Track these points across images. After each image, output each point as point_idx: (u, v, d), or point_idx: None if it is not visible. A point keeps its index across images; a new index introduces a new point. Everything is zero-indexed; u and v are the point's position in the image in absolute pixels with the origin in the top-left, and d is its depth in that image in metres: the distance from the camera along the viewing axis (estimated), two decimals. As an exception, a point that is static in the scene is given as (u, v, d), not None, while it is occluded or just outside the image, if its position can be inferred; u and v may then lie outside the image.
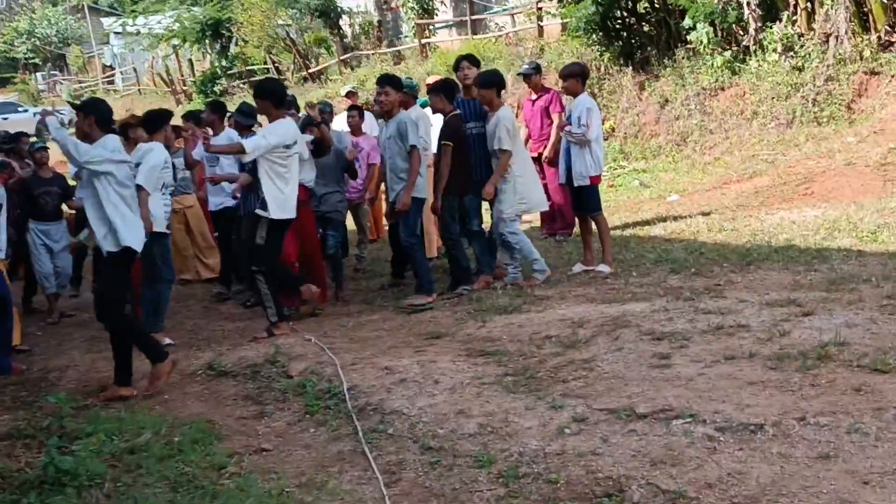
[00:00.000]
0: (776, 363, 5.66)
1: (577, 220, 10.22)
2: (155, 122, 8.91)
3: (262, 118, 9.07)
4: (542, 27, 21.96)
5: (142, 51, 40.46)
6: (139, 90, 40.13)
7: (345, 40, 30.41)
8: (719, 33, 16.91)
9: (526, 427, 5.14)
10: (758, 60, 16.37)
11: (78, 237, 9.53)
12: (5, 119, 31.63)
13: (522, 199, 9.01)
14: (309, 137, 9.54)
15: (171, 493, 4.85)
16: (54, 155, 11.01)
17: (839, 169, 12.90)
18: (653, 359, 6.04)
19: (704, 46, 16.83)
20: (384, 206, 10.32)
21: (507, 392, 5.74)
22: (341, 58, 28.99)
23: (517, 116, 11.63)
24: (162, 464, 5.26)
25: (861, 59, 15.37)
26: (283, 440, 5.65)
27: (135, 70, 42.82)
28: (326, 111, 10.98)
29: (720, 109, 16.69)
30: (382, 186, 10.47)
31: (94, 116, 6.98)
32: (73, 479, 4.98)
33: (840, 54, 15.45)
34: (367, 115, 12.05)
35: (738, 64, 16.73)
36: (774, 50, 16.04)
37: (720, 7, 16.32)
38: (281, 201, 8.11)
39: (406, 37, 29.19)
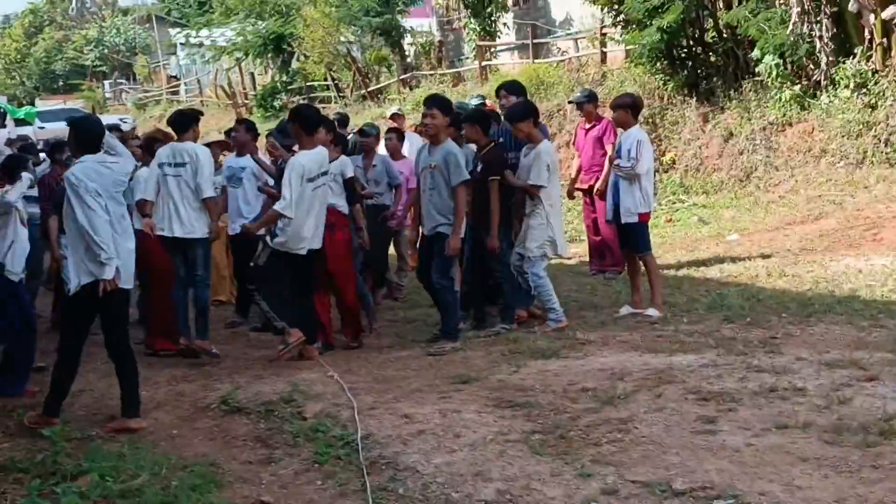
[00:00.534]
0: (833, 436, 5.08)
1: (624, 259, 9.65)
2: (182, 124, 8.54)
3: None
4: (605, 53, 21.45)
5: (205, 63, 40.65)
6: (202, 101, 40.21)
7: (406, 60, 30.14)
8: (789, 66, 16.22)
9: (549, 497, 4.63)
10: (828, 96, 15.64)
11: None
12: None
13: (552, 239, 8.48)
14: (357, 160, 9.22)
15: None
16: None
17: (911, 214, 12.22)
18: (696, 423, 5.49)
19: (773, 80, 16.15)
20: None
21: (533, 453, 5.22)
22: (401, 77, 28.70)
23: (571, 144, 11.16)
24: (152, 513, 4.84)
25: (939, 99, 14.62)
26: (287, 492, 5.19)
27: (198, 81, 43.02)
28: (372, 133, 10.54)
29: (787, 146, 16.02)
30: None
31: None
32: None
33: (917, 93, 14.71)
34: (413, 138, 11.63)
35: (807, 99, 16.02)
36: (846, 86, 15.30)
37: (791, 39, 15.63)
38: (290, 234, 7.80)
39: (467, 58, 28.83)
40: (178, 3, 57.82)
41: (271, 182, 9.19)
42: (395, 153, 10.78)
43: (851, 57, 15.38)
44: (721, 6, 17.57)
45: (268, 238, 7.88)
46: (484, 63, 25.75)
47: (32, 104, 48.19)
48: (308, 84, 32.90)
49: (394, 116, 14.54)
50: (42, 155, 11.70)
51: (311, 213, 7.86)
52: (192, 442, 6.24)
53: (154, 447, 6.12)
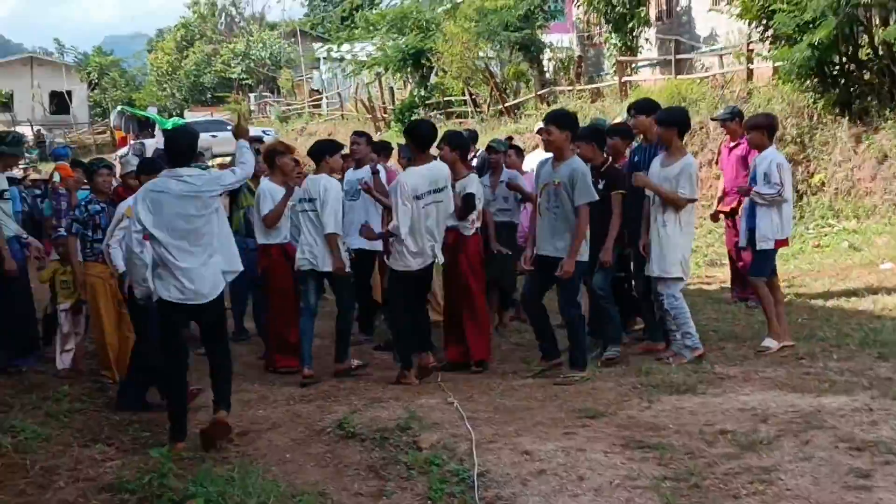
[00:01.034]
0: None
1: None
2: (316, 155, 8.44)
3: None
4: (751, 70, 20.57)
5: (346, 77, 41.04)
6: (342, 115, 40.62)
7: (544, 75, 29.73)
8: (950, 86, 15.18)
9: (680, 555, 4.17)
10: None
11: None
12: (214, 137, 32.32)
13: (686, 260, 7.98)
14: (485, 181, 8.95)
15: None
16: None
17: None
18: (848, 476, 4.94)
19: (932, 99, 15.14)
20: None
21: (664, 502, 4.76)
22: (538, 93, 28.30)
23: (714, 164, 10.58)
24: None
25: None
26: (396, 531, 4.88)
27: (339, 95, 43.50)
28: (500, 149, 10.16)
29: (946, 169, 14.98)
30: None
31: None
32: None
33: None
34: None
35: (970, 120, 14.95)
36: None
37: (953, 56, 14.63)
38: (399, 251, 7.65)
39: (606, 74, 28.23)
40: (322, 19, 59.03)
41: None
42: (515, 170, 10.35)
43: None
44: (877, 22, 16.61)
45: (386, 259, 7.70)
46: (624, 79, 25.15)
47: (181, 115, 49.60)
48: (445, 99, 32.83)
49: (542, 131, 13.85)
50: None
51: (420, 230, 7.64)
52: (303, 468, 5.99)
53: (265, 472, 5.89)
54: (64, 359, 8.93)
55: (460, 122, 28.33)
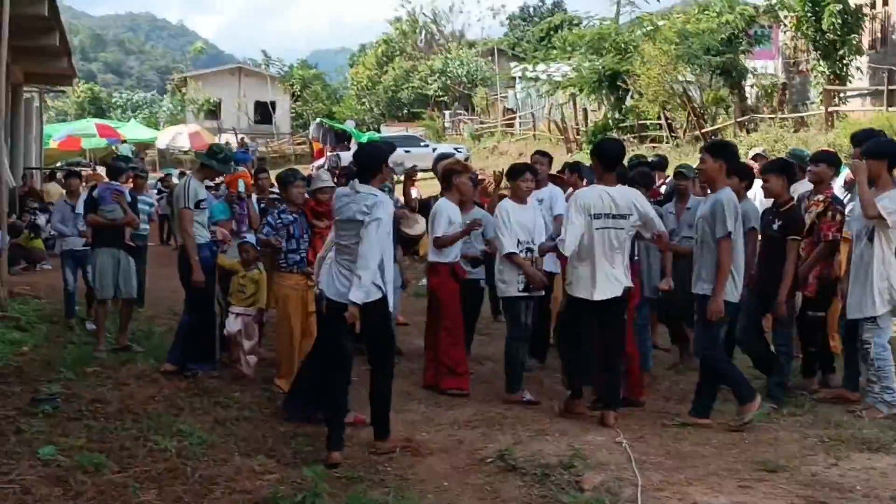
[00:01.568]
0: None
1: None
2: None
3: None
4: (973, 103, 19.26)
5: (540, 97, 40.88)
6: (534, 135, 40.49)
7: (744, 101, 28.71)
8: None
9: None
10: None
11: None
12: (407, 152, 32.77)
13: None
14: (669, 207, 8.57)
15: None
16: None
17: None
18: None
19: None
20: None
21: (847, 577, 4.30)
22: (738, 119, 27.35)
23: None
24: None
25: None
26: (549, 578, 4.58)
27: (532, 115, 43.42)
28: (689, 175, 9.61)
29: None
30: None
31: None
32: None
33: None
34: None
35: None
36: None
37: None
38: (572, 275, 7.23)
39: (812, 103, 26.98)
40: (520, 38, 59.13)
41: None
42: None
43: None
44: None
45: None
46: (831, 108, 23.97)
47: (377, 130, 50.66)
48: (640, 122, 32.19)
49: (756, 157, 13.13)
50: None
51: (593, 255, 7.15)
52: (460, 498, 5.79)
53: (420, 499, 5.72)
54: (250, 360, 9.02)
55: (654, 147, 27.64)
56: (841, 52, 24.82)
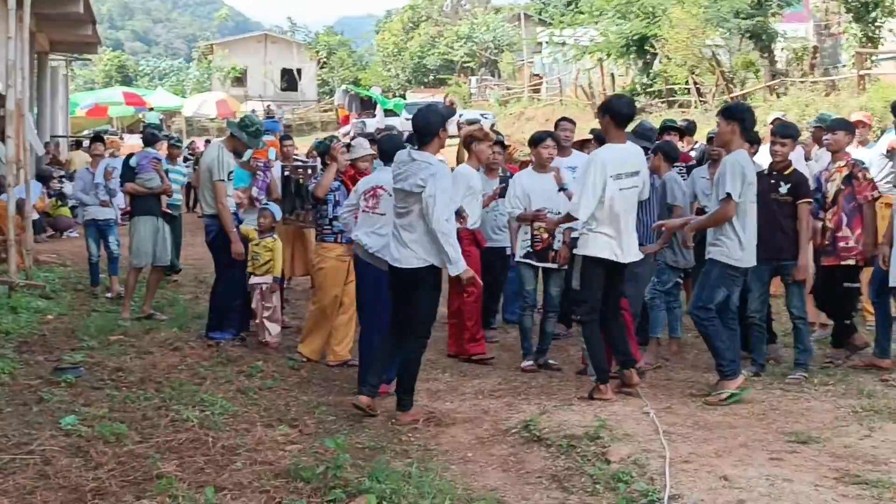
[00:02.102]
0: None
1: None
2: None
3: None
4: None
5: (567, 62, 40.51)
6: (560, 101, 40.17)
7: (775, 65, 28.29)
8: None
9: None
10: None
11: None
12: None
13: None
14: (703, 171, 8.36)
15: None
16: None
17: None
18: None
19: None
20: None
21: (881, 552, 4.18)
22: (768, 83, 26.96)
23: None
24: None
25: None
26: (574, 552, 4.48)
27: (559, 80, 43.07)
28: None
29: None
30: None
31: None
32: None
33: None
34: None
35: None
36: None
37: None
38: (591, 238, 6.98)
39: (843, 66, 26.55)
40: (547, 3, 58.59)
41: None
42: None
43: None
44: None
45: (576, 250, 7.10)
46: (862, 72, 23.56)
47: (403, 97, 50.49)
48: (668, 87, 31.83)
49: (776, 121, 12.82)
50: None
51: (617, 217, 6.93)
52: (484, 470, 5.69)
53: (444, 469, 5.63)
54: (271, 328, 8.95)
55: (682, 112, 27.31)
56: (873, 15, 24.36)
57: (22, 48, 11.65)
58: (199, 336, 9.00)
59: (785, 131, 7.87)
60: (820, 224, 8.08)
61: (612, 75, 36.56)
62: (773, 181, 7.68)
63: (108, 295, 11.39)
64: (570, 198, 7.59)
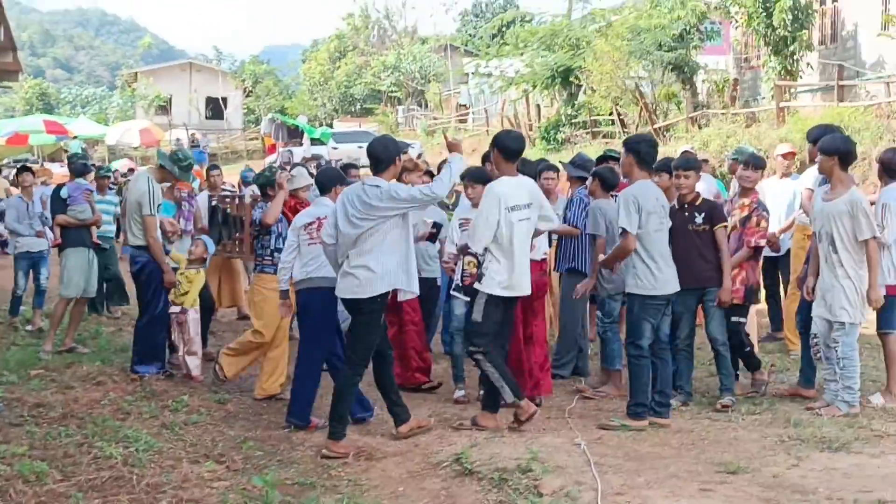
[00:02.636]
0: None
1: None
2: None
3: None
4: (921, 99, 19.42)
5: (493, 93, 40.84)
6: (486, 131, 40.40)
7: (697, 97, 28.80)
8: None
9: None
10: None
11: None
12: (360, 147, 32.59)
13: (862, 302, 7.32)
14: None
15: None
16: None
17: None
18: None
19: None
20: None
21: (812, 583, 4.21)
22: (690, 115, 27.42)
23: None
24: None
25: None
26: (507, 587, 4.44)
27: (485, 111, 43.36)
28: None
29: None
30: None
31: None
32: None
33: None
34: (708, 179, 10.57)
35: None
36: None
37: None
38: (496, 274, 6.94)
39: (763, 98, 27.12)
40: (473, 34, 59.01)
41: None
42: None
43: None
44: None
45: (477, 284, 7.04)
46: (782, 104, 24.09)
47: (330, 125, 50.35)
48: (593, 118, 32.22)
49: (683, 153, 13.10)
50: None
51: (512, 249, 6.93)
52: (416, 504, 5.63)
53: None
54: (190, 362, 8.77)
55: (606, 143, 27.63)
56: (791, 48, 24.90)
57: (-61, 75, 11.34)
58: (122, 369, 8.81)
59: (687, 164, 8.02)
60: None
61: (538, 106, 36.92)
62: (686, 214, 7.80)
63: (29, 328, 11.12)
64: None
